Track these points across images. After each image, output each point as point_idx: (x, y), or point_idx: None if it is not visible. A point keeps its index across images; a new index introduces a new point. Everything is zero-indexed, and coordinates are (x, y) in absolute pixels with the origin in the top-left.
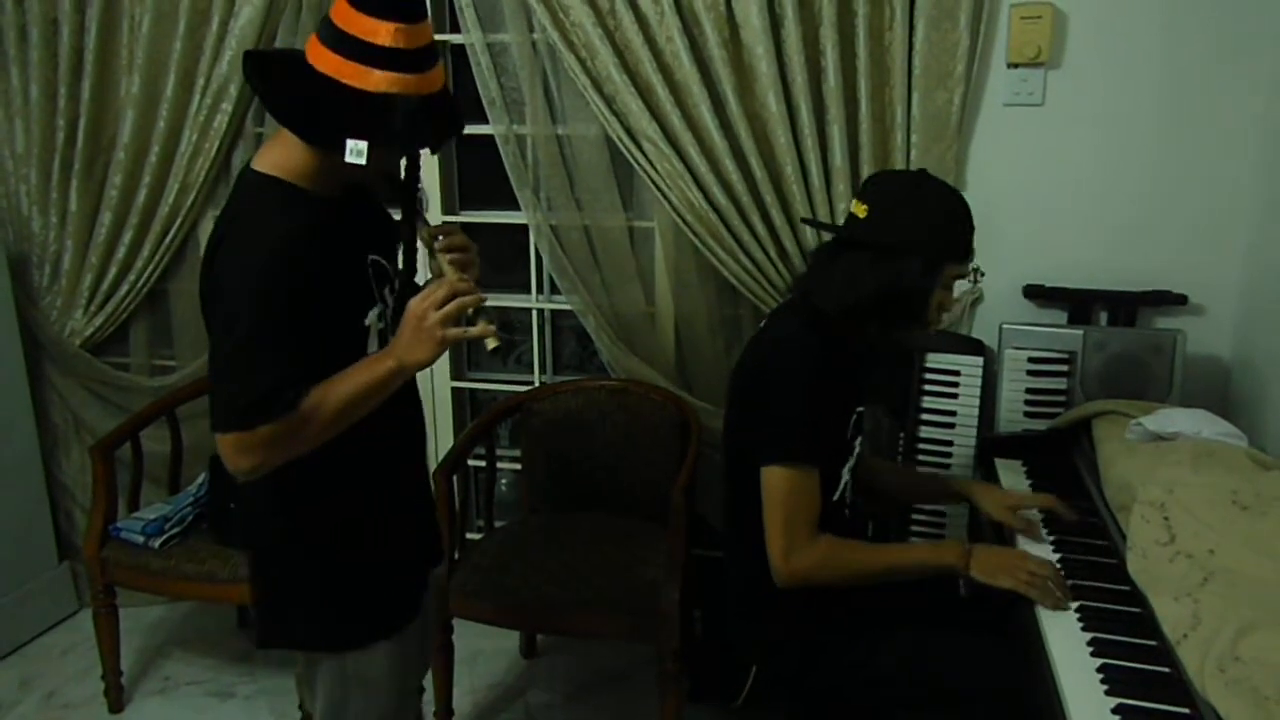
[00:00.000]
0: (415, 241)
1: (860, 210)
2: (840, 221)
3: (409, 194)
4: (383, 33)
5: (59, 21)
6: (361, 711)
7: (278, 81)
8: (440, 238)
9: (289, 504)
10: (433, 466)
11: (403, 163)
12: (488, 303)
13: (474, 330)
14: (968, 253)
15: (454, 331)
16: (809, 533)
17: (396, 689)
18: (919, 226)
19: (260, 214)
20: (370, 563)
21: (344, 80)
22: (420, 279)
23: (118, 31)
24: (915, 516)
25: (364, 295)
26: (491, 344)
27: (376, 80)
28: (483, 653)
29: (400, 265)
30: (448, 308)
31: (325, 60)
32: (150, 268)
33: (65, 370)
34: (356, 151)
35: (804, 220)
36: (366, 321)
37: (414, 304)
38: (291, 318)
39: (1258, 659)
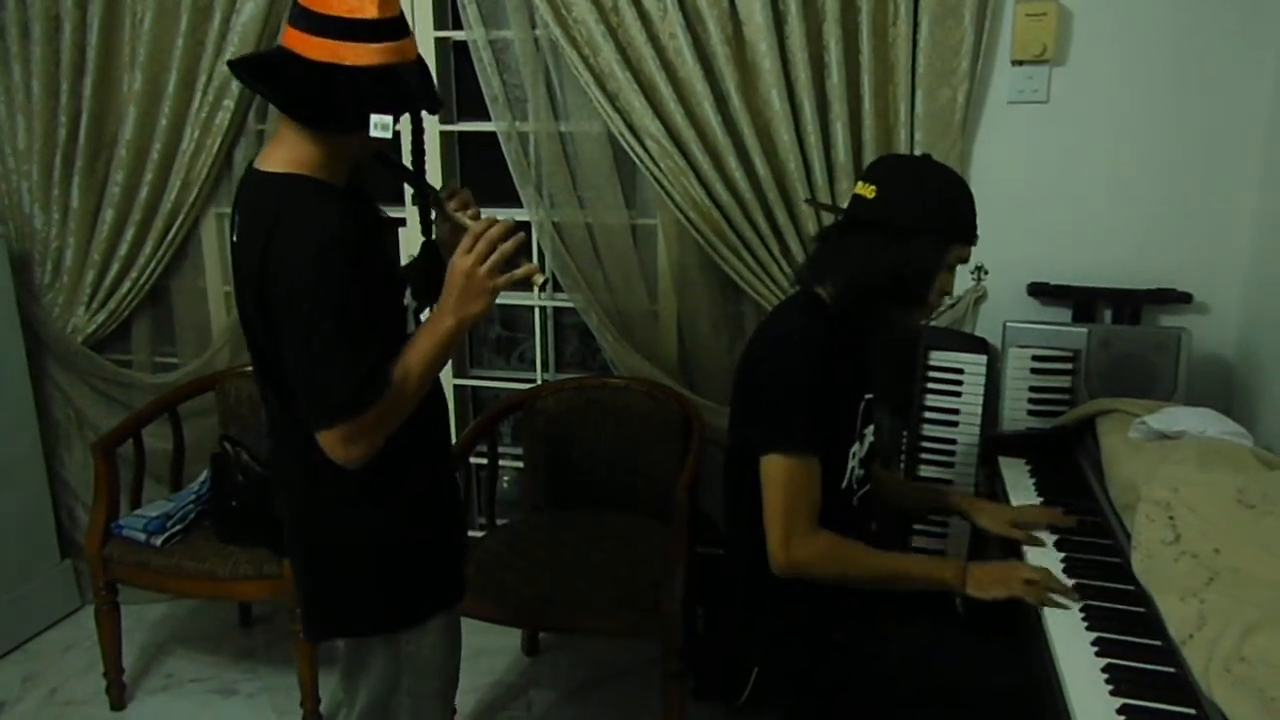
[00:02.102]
0: (430, 206)
1: (868, 191)
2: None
3: (417, 158)
4: (368, 7)
5: (61, 18)
6: (413, 691)
7: (278, 81)
8: (451, 198)
9: (358, 488)
10: None
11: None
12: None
13: (519, 272)
14: (973, 234)
15: (503, 279)
16: (808, 523)
17: (445, 669)
18: (927, 207)
19: (306, 209)
20: (431, 538)
21: (344, 62)
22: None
23: (120, 28)
24: (916, 526)
25: (399, 274)
26: (539, 279)
27: (374, 53)
28: (485, 650)
29: (420, 234)
30: (493, 258)
31: (317, 48)
32: (152, 265)
33: (67, 367)
34: (382, 126)
35: (808, 201)
36: (405, 301)
37: (457, 261)
38: (366, 301)
39: (1264, 659)
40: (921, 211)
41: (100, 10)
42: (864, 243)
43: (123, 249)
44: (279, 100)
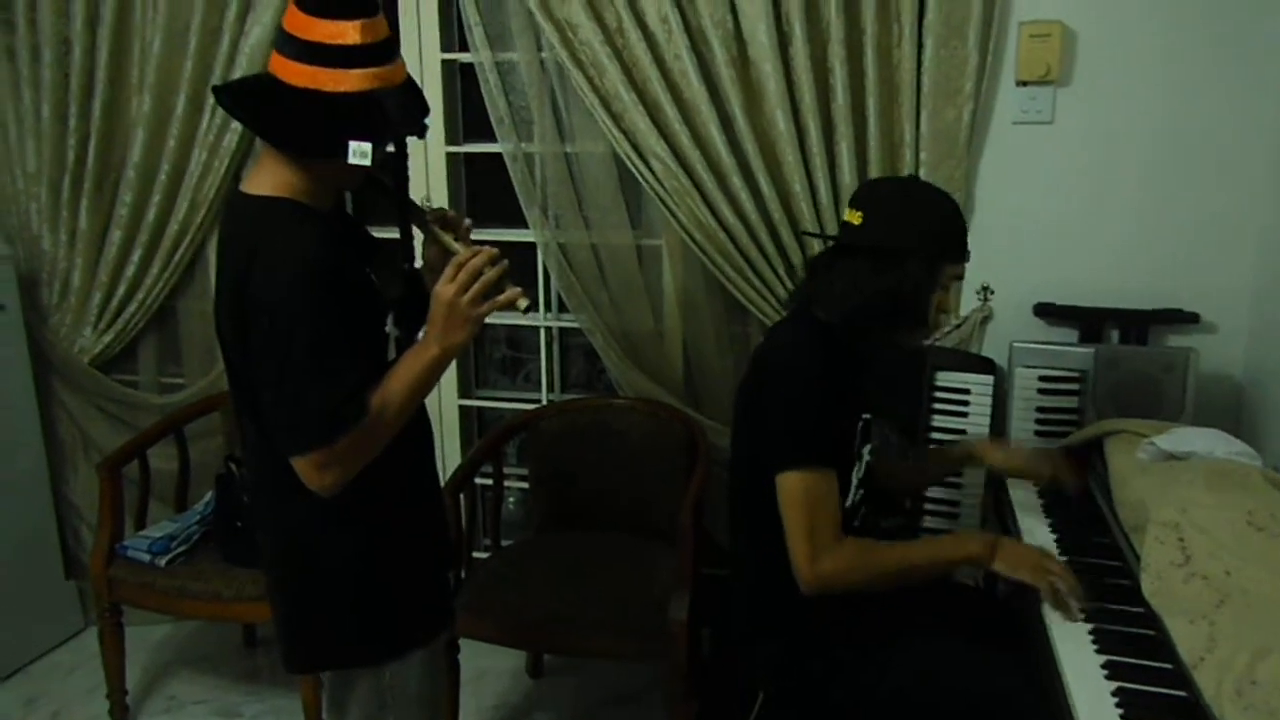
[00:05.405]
0: (411, 230)
1: (855, 217)
2: None
3: (401, 181)
4: (350, 32)
5: (71, 41)
6: None
7: (259, 107)
8: (439, 221)
9: (337, 518)
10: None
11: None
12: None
13: (503, 298)
14: (964, 251)
15: (485, 307)
16: (833, 535)
17: (430, 700)
18: (915, 228)
19: (285, 233)
20: (410, 570)
21: (324, 88)
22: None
23: (129, 52)
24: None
25: (381, 302)
26: (523, 304)
27: (354, 80)
28: (489, 672)
29: (398, 259)
30: (475, 287)
31: (297, 73)
32: (159, 286)
33: (74, 387)
34: (360, 153)
35: (803, 233)
36: (387, 328)
37: (440, 291)
38: (342, 327)
39: (1275, 682)
40: (909, 233)
41: (109, 34)
42: (855, 269)
43: (130, 270)
44: (255, 126)
